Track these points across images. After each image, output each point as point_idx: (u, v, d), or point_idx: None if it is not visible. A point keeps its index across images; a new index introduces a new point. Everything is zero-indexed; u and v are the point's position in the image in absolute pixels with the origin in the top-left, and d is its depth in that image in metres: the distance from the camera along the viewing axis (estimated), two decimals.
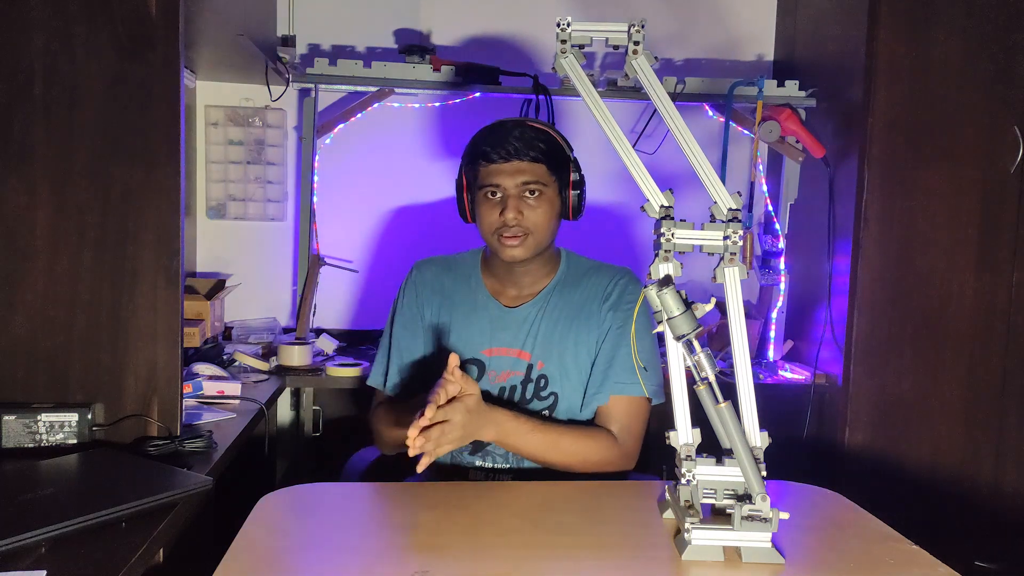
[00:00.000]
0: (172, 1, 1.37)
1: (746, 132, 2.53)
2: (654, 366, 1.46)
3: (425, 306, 1.52)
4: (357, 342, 2.51)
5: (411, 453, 1.19)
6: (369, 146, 2.56)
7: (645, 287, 1.05)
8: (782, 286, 2.50)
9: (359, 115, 2.45)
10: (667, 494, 1.16)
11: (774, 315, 2.48)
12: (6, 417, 1.34)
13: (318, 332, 2.45)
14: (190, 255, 2.50)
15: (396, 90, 2.41)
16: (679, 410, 1.10)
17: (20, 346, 1.38)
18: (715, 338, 2.42)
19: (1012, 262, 2.15)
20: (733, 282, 1.08)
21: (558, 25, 1.15)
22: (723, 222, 1.08)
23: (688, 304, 1.04)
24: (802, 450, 2.28)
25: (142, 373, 1.40)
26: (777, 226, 2.56)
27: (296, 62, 2.35)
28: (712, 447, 1.08)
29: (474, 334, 1.48)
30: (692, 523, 1.02)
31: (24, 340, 1.38)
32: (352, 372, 2.14)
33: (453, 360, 1.24)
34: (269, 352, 2.25)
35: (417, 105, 2.55)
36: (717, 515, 1.08)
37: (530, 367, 1.46)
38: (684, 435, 1.09)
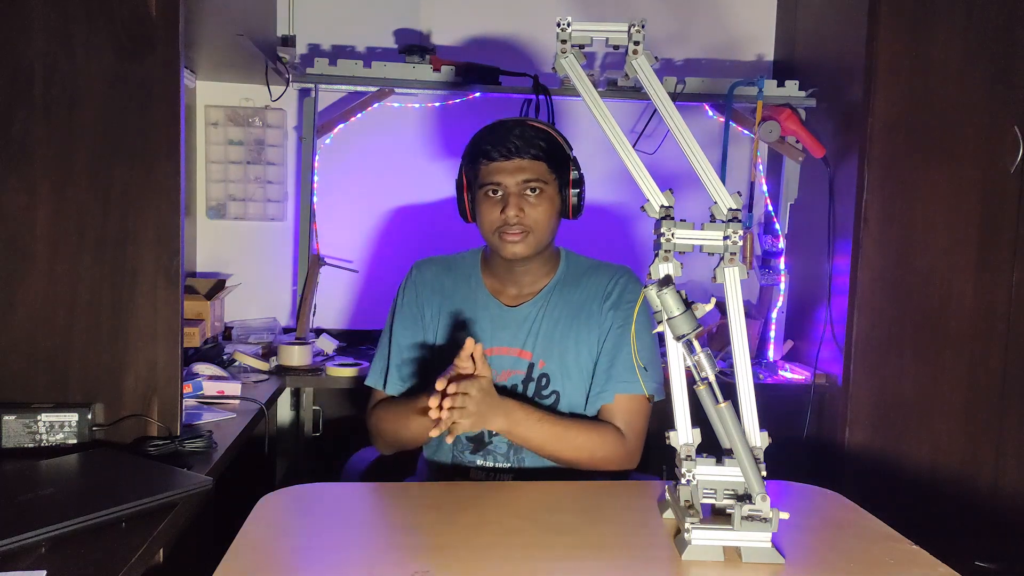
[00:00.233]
0: (172, 1, 1.37)
1: (746, 132, 2.53)
2: (655, 364, 1.47)
3: (425, 306, 1.52)
4: (357, 342, 2.51)
5: (432, 416, 1.24)
6: (369, 146, 2.56)
7: (645, 287, 1.05)
8: (782, 286, 2.50)
9: (359, 115, 2.45)
10: (667, 494, 1.16)
11: (774, 315, 2.48)
12: (6, 417, 1.34)
13: (318, 332, 2.45)
14: (190, 255, 2.50)
15: (396, 90, 2.41)
16: (679, 410, 1.10)
17: (20, 346, 1.38)
18: (715, 338, 2.42)
19: (1012, 262, 2.15)
20: (733, 282, 1.08)
21: (558, 25, 1.15)
22: (723, 222, 1.08)
23: (688, 304, 1.04)
24: (802, 450, 2.28)
25: (142, 373, 1.40)
26: (777, 226, 2.56)
27: (296, 62, 2.35)
28: (712, 447, 1.08)
29: (474, 333, 1.48)
30: (692, 523, 1.02)
31: (24, 340, 1.38)
32: (352, 372, 2.14)
33: (470, 343, 1.26)
34: (269, 352, 2.25)
35: (417, 105, 2.55)
36: (717, 515, 1.08)
37: (531, 366, 1.46)
38: (684, 435, 1.09)
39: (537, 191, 1.40)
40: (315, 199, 2.45)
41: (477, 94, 2.46)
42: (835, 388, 2.23)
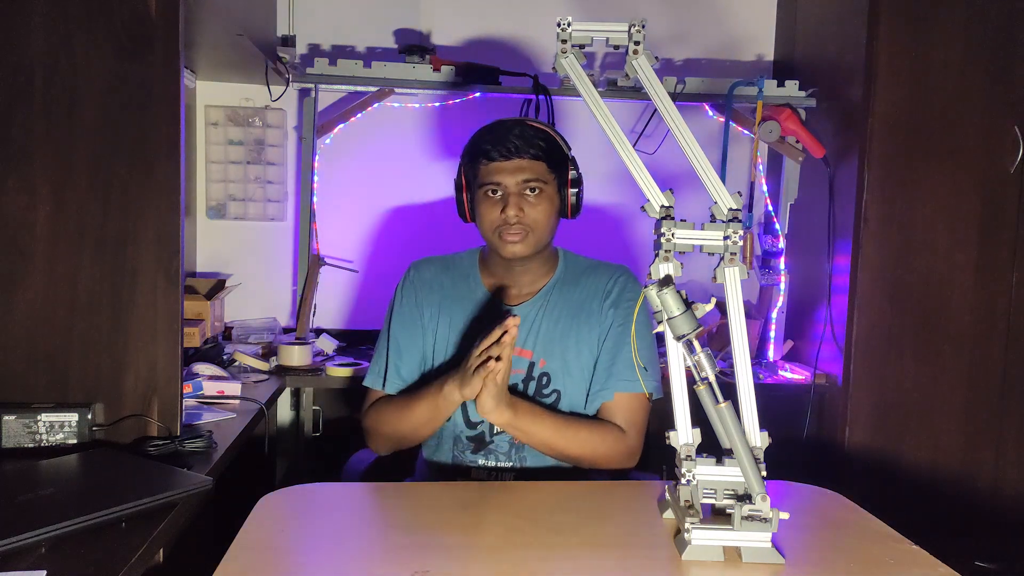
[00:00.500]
0: (172, 1, 1.37)
1: (746, 132, 2.53)
2: (654, 363, 1.48)
3: (424, 306, 1.52)
4: (357, 342, 2.51)
5: (496, 334, 1.25)
6: (369, 146, 2.56)
7: (645, 287, 1.05)
8: (782, 286, 2.50)
9: (359, 115, 2.45)
10: (667, 494, 1.16)
11: (774, 315, 2.48)
12: (6, 417, 1.34)
13: (318, 332, 2.45)
14: (190, 255, 2.50)
15: (396, 90, 2.41)
16: (679, 410, 1.10)
17: (20, 346, 1.38)
18: (715, 338, 2.42)
19: (1012, 262, 2.15)
20: (733, 282, 1.08)
21: (558, 25, 1.15)
22: (723, 222, 1.08)
23: (688, 304, 1.04)
24: (802, 450, 2.28)
25: (142, 373, 1.40)
26: (777, 226, 2.56)
27: (296, 62, 2.35)
28: (712, 447, 1.08)
29: (474, 333, 1.48)
30: (692, 523, 1.02)
31: (24, 340, 1.38)
32: (352, 372, 2.14)
33: (512, 320, 1.26)
34: (269, 352, 2.25)
35: (417, 105, 2.55)
36: (717, 515, 1.08)
37: (532, 365, 1.46)
38: (684, 435, 1.09)
39: (537, 191, 1.41)
40: (315, 199, 2.45)
41: (477, 94, 2.46)
42: (835, 388, 2.23)
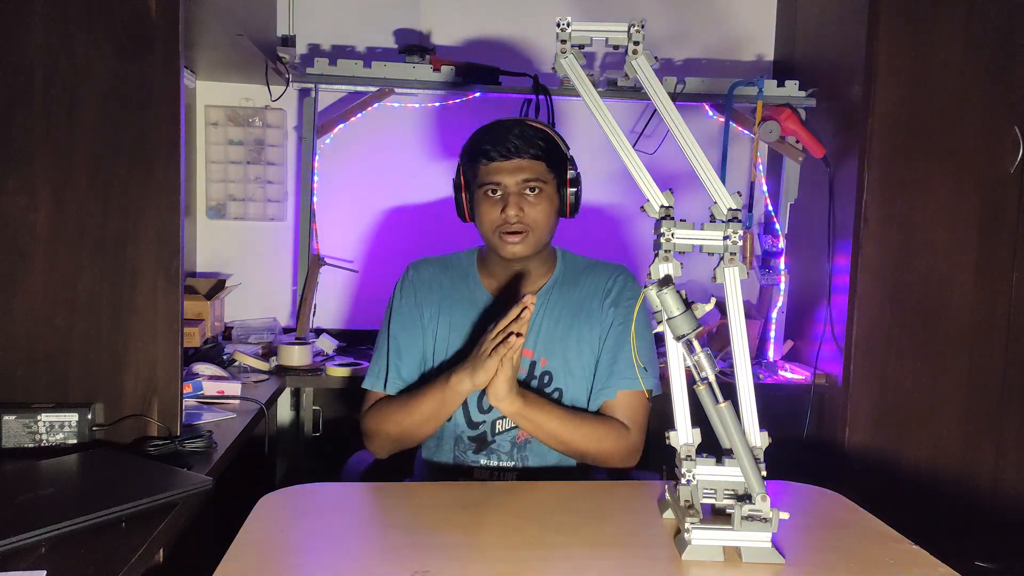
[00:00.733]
0: (172, 1, 1.37)
1: (746, 132, 2.53)
2: (653, 361, 1.49)
3: (424, 306, 1.52)
4: (357, 342, 2.51)
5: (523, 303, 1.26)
6: (369, 146, 2.56)
7: (645, 287, 1.05)
8: (782, 286, 2.50)
9: (359, 115, 2.45)
10: (667, 494, 1.16)
11: (774, 315, 2.48)
12: (6, 417, 1.34)
13: (318, 332, 2.45)
14: (190, 255, 2.50)
15: (396, 90, 2.41)
16: (679, 410, 1.10)
17: (20, 346, 1.38)
18: (715, 338, 2.42)
19: (1012, 262, 2.15)
20: (733, 282, 1.08)
21: (558, 25, 1.15)
22: (723, 222, 1.08)
23: (688, 304, 1.04)
24: (802, 450, 2.28)
25: (142, 373, 1.40)
26: (777, 226, 2.56)
27: (296, 62, 2.35)
28: (712, 447, 1.08)
29: (475, 333, 1.48)
30: (692, 523, 1.02)
31: (24, 340, 1.38)
32: (352, 372, 2.14)
33: (531, 297, 1.27)
34: (269, 352, 2.25)
35: (417, 105, 2.55)
36: (717, 515, 1.08)
37: (533, 364, 1.46)
38: (684, 435, 1.09)
39: (536, 190, 1.41)
40: (315, 199, 2.45)
41: (477, 94, 2.46)
42: (835, 388, 2.23)
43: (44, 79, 1.37)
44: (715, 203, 1.09)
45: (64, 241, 1.38)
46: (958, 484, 2.17)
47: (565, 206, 1.47)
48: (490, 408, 1.44)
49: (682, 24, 2.64)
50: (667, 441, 1.11)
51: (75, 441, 1.36)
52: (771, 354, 2.47)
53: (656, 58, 1.13)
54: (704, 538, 1.02)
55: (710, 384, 1.03)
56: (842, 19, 2.31)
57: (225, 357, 2.13)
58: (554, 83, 2.38)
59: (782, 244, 2.53)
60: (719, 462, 1.07)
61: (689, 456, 1.08)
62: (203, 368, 1.92)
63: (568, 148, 1.49)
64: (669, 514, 1.14)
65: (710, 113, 2.54)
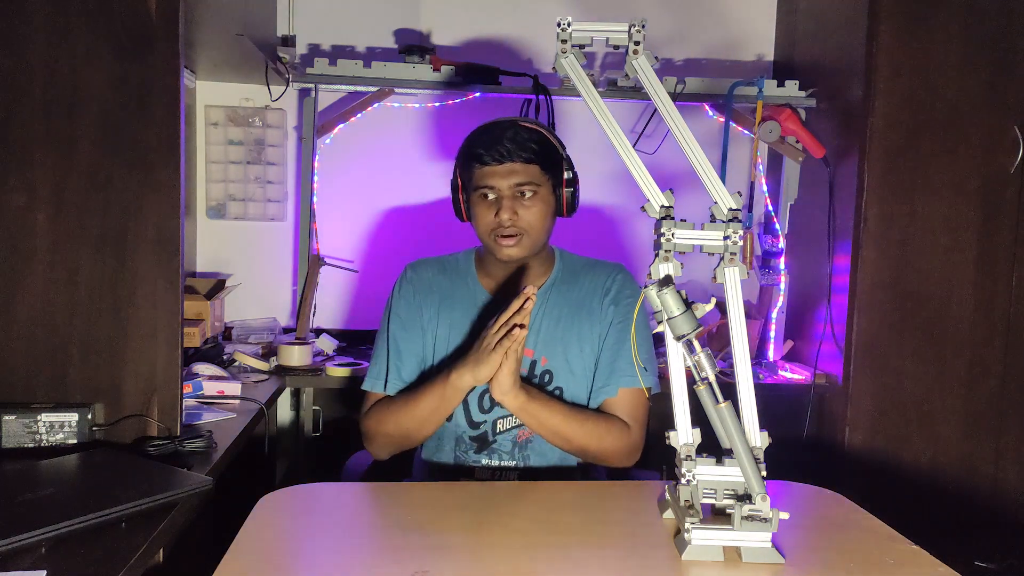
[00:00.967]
0: (172, 1, 1.37)
1: (746, 132, 2.53)
2: (652, 359, 1.51)
3: (424, 306, 1.52)
4: (357, 342, 2.51)
5: (526, 294, 1.27)
6: (369, 146, 2.56)
7: (645, 287, 1.05)
8: (782, 286, 2.50)
9: (359, 115, 2.45)
10: (667, 494, 1.16)
11: (774, 315, 2.48)
12: (6, 417, 1.34)
13: (318, 332, 2.45)
14: (190, 255, 2.50)
15: (396, 90, 2.41)
16: (679, 410, 1.10)
17: (20, 346, 1.39)
18: (715, 338, 2.42)
19: (1012, 262, 2.15)
20: (733, 282, 1.08)
21: (558, 25, 1.15)
22: (723, 222, 1.08)
23: (688, 304, 1.04)
24: (802, 450, 2.28)
25: (142, 373, 1.40)
26: (777, 226, 2.56)
27: (296, 62, 2.35)
28: (712, 447, 1.08)
29: (474, 332, 1.48)
30: (692, 523, 1.02)
31: (24, 340, 1.38)
32: (352, 372, 2.14)
33: (531, 289, 1.29)
34: (269, 352, 2.25)
35: (417, 105, 2.55)
36: (717, 515, 1.08)
37: (533, 363, 1.47)
38: (684, 435, 1.09)
39: (530, 193, 1.41)
40: (315, 199, 2.45)
41: (477, 94, 2.46)
42: (835, 388, 2.23)
43: (44, 79, 1.37)
44: (715, 203, 1.09)
45: (64, 241, 1.38)
46: (958, 484, 2.17)
47: (562, 206, 1.47)
48: (491, 408, 1.44)
49: (682, 24, 2.64)
50: (667, 441, 1.11)
51: (75, 441, 1.36)
52: (771, 354, 2.47)
53: (656, 58, 1.13)
54: (704, 538, 1.02)
55: (710, 384, 1.03)
56: (842, 19, 2.31)
57: (225, 357, 2.13)
58: (554, 83, 2.38)
59: (782, 244, 2.53)
60: (719, 462, 1.07)
61: (689, 456, 1.08)
62: (203, 368, 1.92)
63: (564, 148, 1.49)
64: (669, 514, 1.14)
65: (710, 113, 2.54)
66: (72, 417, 1.36)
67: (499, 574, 0.96)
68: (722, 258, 1.08)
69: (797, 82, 2.44)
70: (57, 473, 1.22)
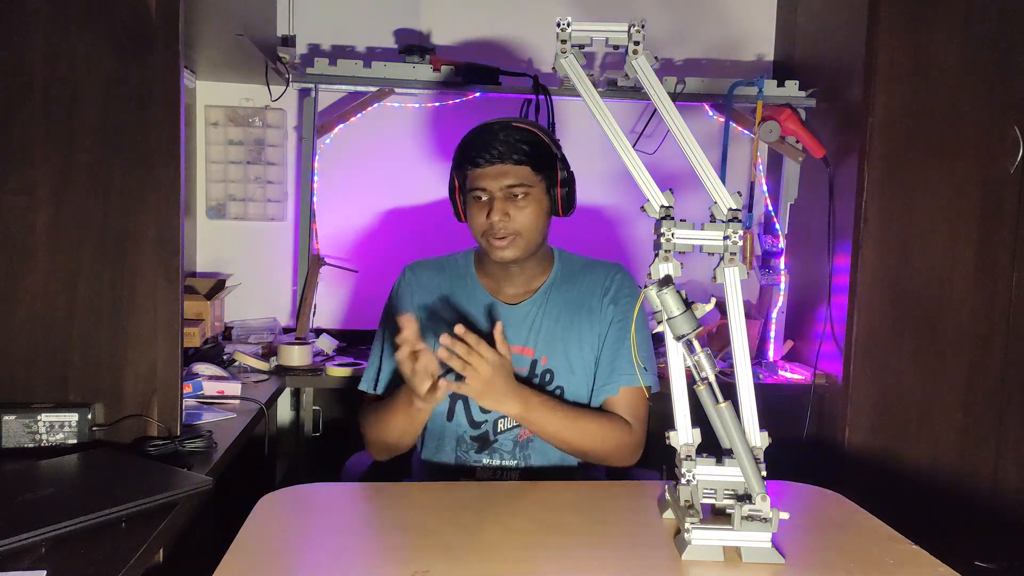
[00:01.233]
0: (172, 2, 1.37)
1: (746, 132, 2.53)
2: (652, 358, 1.52)
3: (422, 307, 1.52)
4: (357, 342, 2.51)
5: (441, 354, 1.26)
6: (369, 146, 2.56)
7: (645, 287, 1.05)
8: (782, 286, 2.50)
9: (359, 115, 2.45)
10: (667, 494, 1.16)
11: (774, 315, 2.48)
12: (6, 417, 1.34)
13: (318, 332, 2.45)
14: (190, 255, 2.50)
15: (396, 90, 2.41)
16: (679, 410, 1.10)
17: (20, 346, 1.38)
18: (715, 338, 2.42)
19: (1012, 262, 2.15)
20: (733, 282, 1.08)
21: (558, 25, 1.15)
22: (723, 222, 1.08)
23: (688, 304, 1.04)
24: (802, 450, 2.28)
25: (142, 373, 1.40)
26: (777, 226, 2.56)
27: (296, 62, 2.35)
28: (712, 447, 1.08)
29: (474, 332, 1.48)
30: (692, 523, 1.02)
31: (24, 340, 1.38)
32: (352, 372, 2.14)
33: (499, 327, 1.29)
34: (269, 352, 2.25)
35: (417, 105, 2.55)
36: (717, 515, 1.08)
37: (534, 363, 1.47)
38: (684, 435, 1.09)
39: (522, 195, 1.41)
40: (315, 199, 2.45)
41: (477, 94, 2.46)
42: (835, 388, 2.23)
43: (44, 79, 1.37)
44: (715, 203, 1.09)
45: (64, 241, 1.38)
46: (958, 484, 2.17)
47: (557, 207, 1.47)
48: None
49: (682, 24, 2.64)
50: (667, 441, 1.11)
51: (75, 441, 1.36)
52: (771, 354, 2.47)
53: (656, 58, 1.13)
54: (704, 538, 1.02)
55: (710, 384, 1.03)
56: (842, 19, 2.31)
57: (225, 357, 2.13)
58: (554, 83, 2.38)
59: (782, 244, 2.53)
60: (719, 462, 1.07)
61: (689, 456, 1.08)
62: (203, 368, 1.91)
63: (559, 148, 1.48)
64: (669, 514, 1.14)
65: (710, 113, 2.54)
66: (72, 417, 1.36)
67: (499, 574, 0.96)
68: (722, 258, 1.08)
69: (797, 82, 2.44)
70: (57, 473, 1.22)
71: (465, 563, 0.98)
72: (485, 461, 1.46)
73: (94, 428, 1.37)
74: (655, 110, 1.19)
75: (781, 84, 2.44)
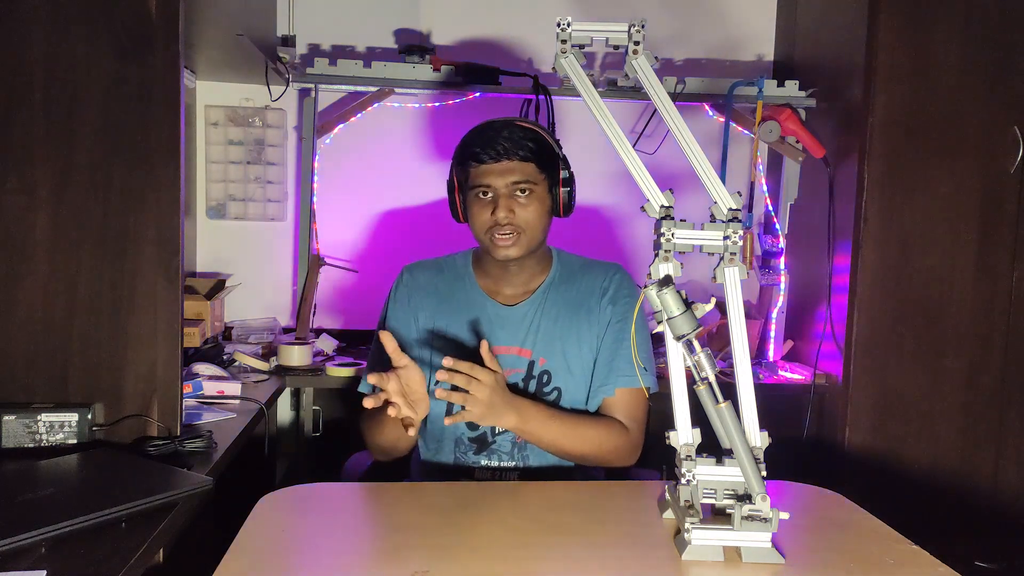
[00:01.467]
0: (172, 2, 1.37)
1: (746, 132, 2.53)
2: (651, 359, 1.52)
3: (419, 309, 1.52)
4: (357, 342, 2.51)
5: (439, 394, 1.26)
6: (369, 146, 2.56)
7: (645, 287, 1.05)
8: (782, 286, 2.50)
9: (359, 115, 2.45)
10: (667, 494, 1.16)
11: (774, 315, 2.48)
12: (6, 417, 1.34)
13: (318, 332, 2.45)
14: (190, 255, 2.50)
15: (396, 90, 2.41)
16: (679, 410, 1.10)
17: (20, 346, 1.38)
18: (715, 338, 2.42)
19: (1012, 262, 2.15)
20: (733, 282, 1.08)
21: (558, 25, 1.15)
22: (723, 222, 1.08)
23: (688, 304, 1.04)
24: (802, 450, 2.28)
25: (142, 373, 1.40)
26: (777, 226, 2.56)
27: (296, 62, 2.35)
28: (712, 447, 1.08)
29: (473, 334, 1.48)
30: (692, 523, 1.02)
31: (24, 340, 1.38)
32: (352, 372, 2.14)
33: (485, 345, 1.28)
34: (269, 352, 2.25)
35: (417, 105, 2.55)
36: (717, 515, 1.08)
37: (531, 364, 1.46)
38: (684, 435, 1.09)
39: (527, 192, 1.41)
40: (315, 199, 2.45)
41: (477, 94, 2.46)
42: (835, 388, 2.23)
43: (44, 79, 1.37)
44: (715, 203, 1.09)
45: (64, 241, 1.38)
46: (958, 484, 2.17)
47: (558, 206, 1.47)
48: None
49: (682, 24, 2.64)
50: (667, 441, 1.11)
51: (75, 441, 1.36)
52: (771, 354, 2.47)
53: (656, 58, 1.13)
54: (704, 538, 1.02)
55: (710, 384, 1.03)
56: (842, 19, 2.31)
57: (225, 357, 2.13)
58: (554, 83, 2.38)
59: (782, 244, 2.53)
60: (719, 462, 1.07)
61: (689, 456, 1.08)
62: (203, 368, 1.91)
63: (560, 148, 1.49)
64: (669, 514, 1.14)
65: (710, 113, 2.54)
66: (72, 417, 1.36)
67: (499, 574, 0.96)
68: (722, 258, 1.08)
69: (797, 82, 2.44)
70: (57, 473, 1.22)
71: (465, 563, 0.98)
72: (484, 462, 1.46)
73: (94, 428, 1.37)
74: (655, 110, 1.19)
75: (781, 84, 2.44)
